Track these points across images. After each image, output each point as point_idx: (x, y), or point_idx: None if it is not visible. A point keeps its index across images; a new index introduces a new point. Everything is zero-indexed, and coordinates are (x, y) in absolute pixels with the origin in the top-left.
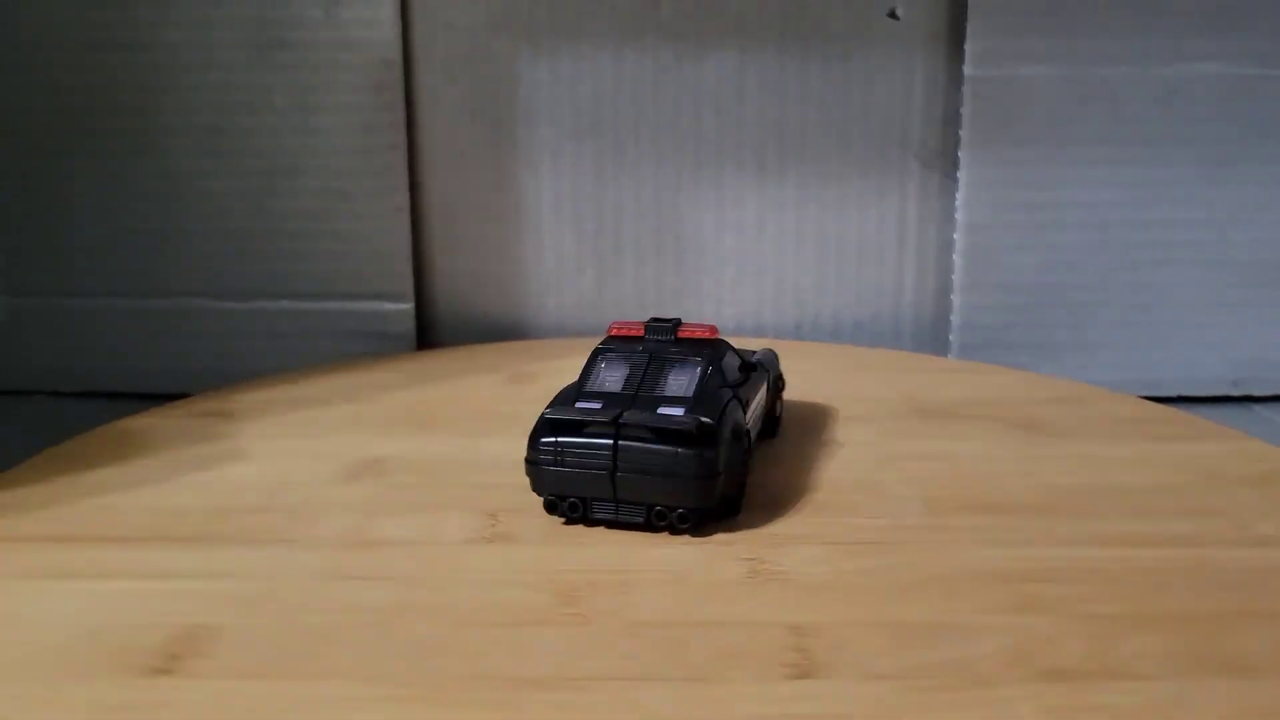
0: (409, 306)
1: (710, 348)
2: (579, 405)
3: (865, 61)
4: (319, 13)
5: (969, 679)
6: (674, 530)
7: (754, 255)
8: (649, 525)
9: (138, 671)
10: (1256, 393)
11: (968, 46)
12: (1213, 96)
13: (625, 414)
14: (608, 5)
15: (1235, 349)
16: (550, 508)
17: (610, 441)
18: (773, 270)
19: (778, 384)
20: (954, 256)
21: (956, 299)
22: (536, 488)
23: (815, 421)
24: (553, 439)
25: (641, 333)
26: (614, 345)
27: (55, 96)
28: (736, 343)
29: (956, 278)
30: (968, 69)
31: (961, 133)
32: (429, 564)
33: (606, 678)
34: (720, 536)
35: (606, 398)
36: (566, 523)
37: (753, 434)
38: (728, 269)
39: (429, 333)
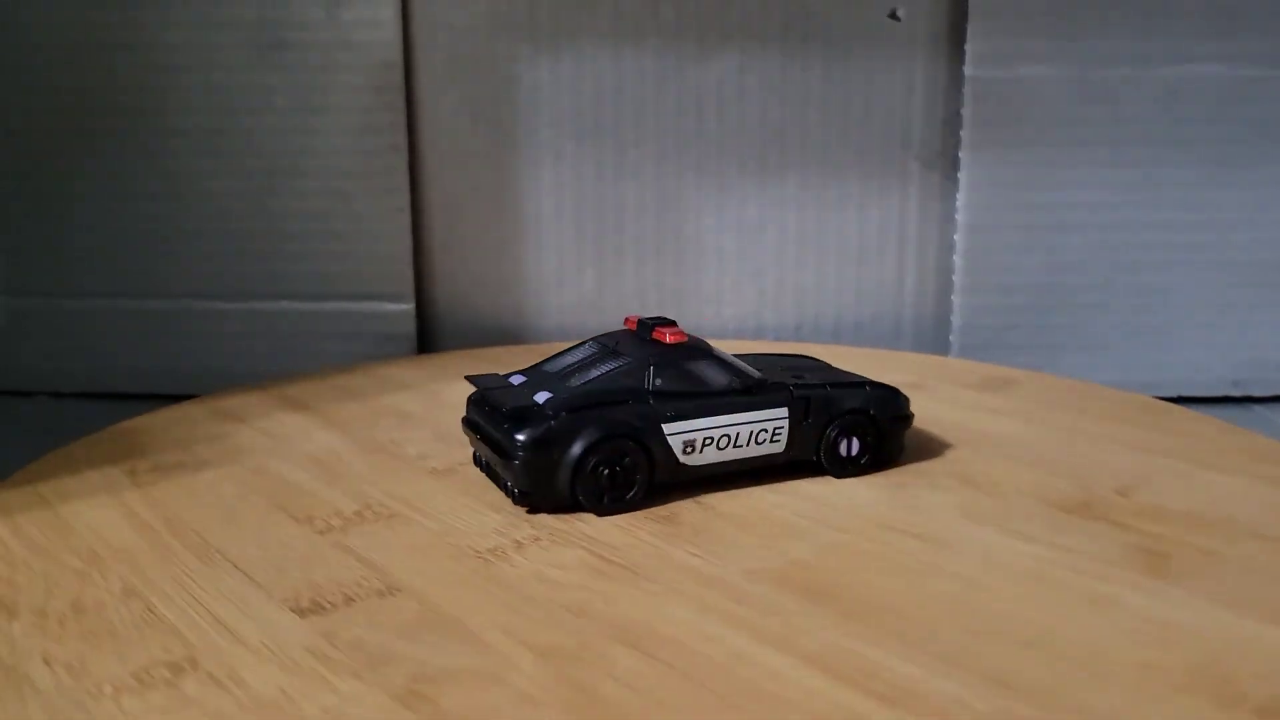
0: (409, 307)
1: (661, 350)
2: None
3: (866, 62)
4: (320, 14)
5: None
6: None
7: (754, 256)
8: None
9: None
10: (1257, 393)
11: (968, 47)
12: (1213, 97)
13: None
14: (609, 6)
15: (1236, 349)
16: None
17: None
18: (773, 271)
19: (858, 420)
20: (954, 257)
21: (957, 300)
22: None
23: None
24: None
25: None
26: (606, 335)
27: (56, 97)
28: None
29: (957, 278)
30: (968, 70)
31: (962, 133)
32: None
33: None
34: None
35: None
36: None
37: (702, 452)
38: (728, 269)
39: (429, 333)
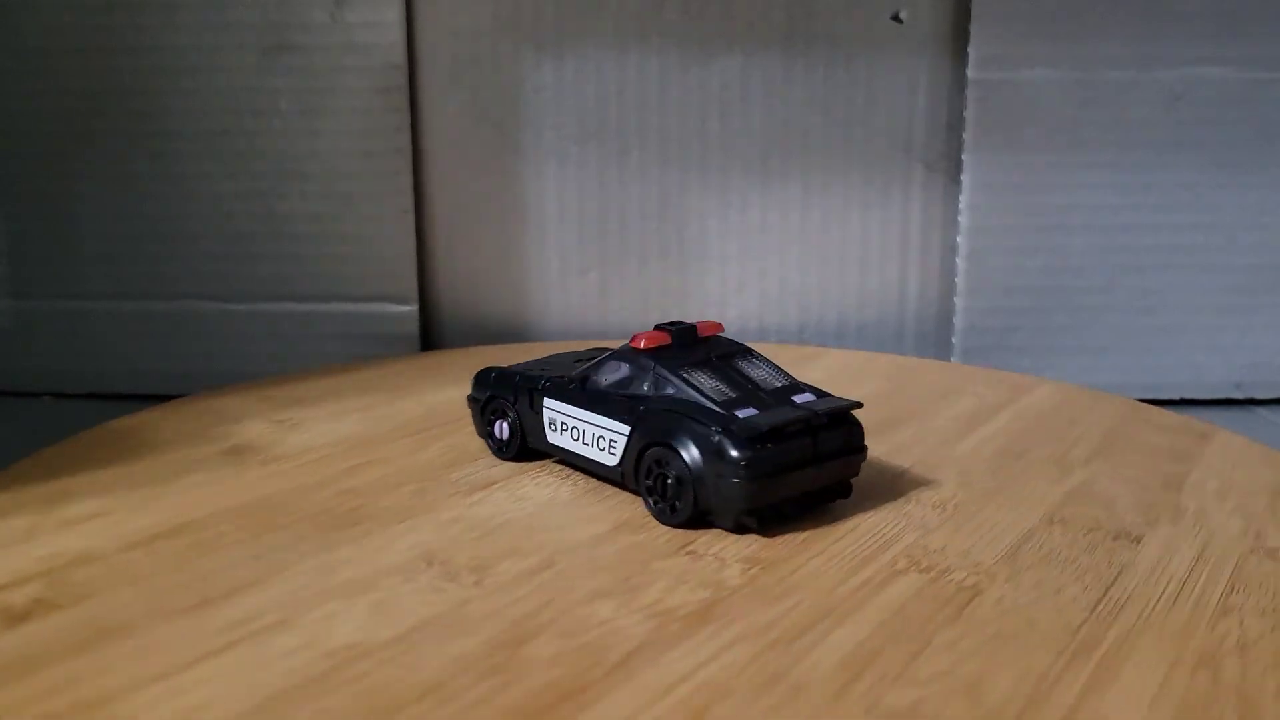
0: (413, 309)
1: (732, 344)
2: (741, 414)
3: (869, 65)
4: (325, 17)
5: None
6: (841, 498)
7: (757, 258)
8: (806, 510)
9: None
10: (1259, 395)
11: (971, 50)
12: (1217, 100)
13: (811, 407)
14: (612, 9)
15: (1238, 352)
16: (743, 528)
17: (811, 439)
18: (776, 273)
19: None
20: (957, 260)
21: (960, 302)
22: (742, 503)
23: None
24: (766, 447)
25: (669, 339)
26: (657, 355)
27: (61, 100)
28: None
29: (960, 281)
30: (971, 72)
31: (965, 136)
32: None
33: None
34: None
35: (731, 402)
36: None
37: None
38: (731, 271)
39: (433, 335)
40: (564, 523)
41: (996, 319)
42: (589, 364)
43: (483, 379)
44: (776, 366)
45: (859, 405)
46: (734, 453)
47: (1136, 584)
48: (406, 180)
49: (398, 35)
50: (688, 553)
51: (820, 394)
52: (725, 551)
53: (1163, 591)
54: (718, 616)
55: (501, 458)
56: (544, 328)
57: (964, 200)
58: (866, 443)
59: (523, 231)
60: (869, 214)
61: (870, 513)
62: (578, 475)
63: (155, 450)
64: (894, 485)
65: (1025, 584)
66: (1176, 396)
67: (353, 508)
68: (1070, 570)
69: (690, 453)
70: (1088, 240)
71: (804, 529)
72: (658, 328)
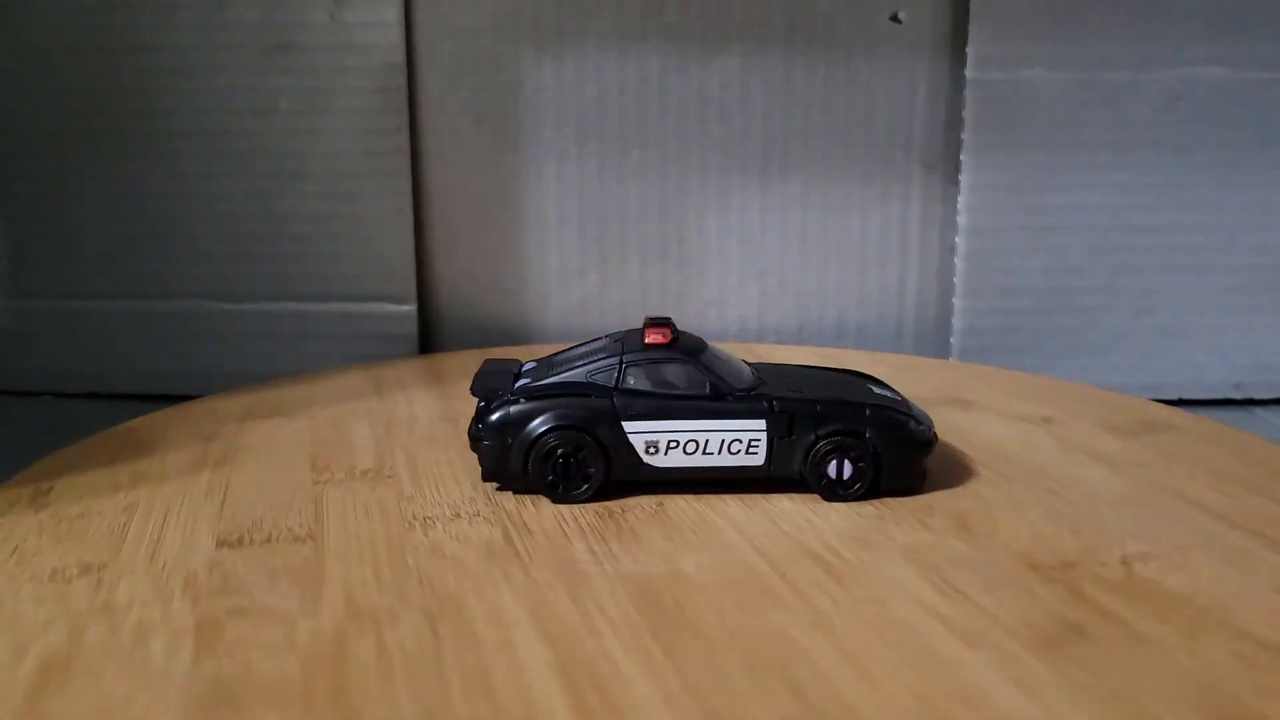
0: (412, 309)
1: (637, 348)
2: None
3: (868, 65)
4: (324, 17)
5: None
6: None
7: (757, 258)
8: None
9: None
10: (1259, 396)
11: (970, 50)
12: (1217, 101)
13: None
14: (612, 9)
15: (1238, 352)
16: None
17: None
18: (775, 273)
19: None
20: (956, 260)
21: (959, 302)
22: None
23: None
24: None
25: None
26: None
27: (61, 100)
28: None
29: (959, 281)
30: (970, 73)
31: (964, 136)
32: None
33: None
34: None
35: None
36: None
37: (667, 454)
38: (731, 271)
39: (432, 335)
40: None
41: (995, 319)
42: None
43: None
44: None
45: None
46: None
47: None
48: (406, 180)
49: (397, 35)
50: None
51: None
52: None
53: None
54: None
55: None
56: (543, 328)
57: (963, 200)
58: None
59: (522, 231)
60: (868, 214)
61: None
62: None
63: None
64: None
65: None
66: (1175, 397)
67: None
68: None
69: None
70: (1087, 240)
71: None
72: (649, 322)
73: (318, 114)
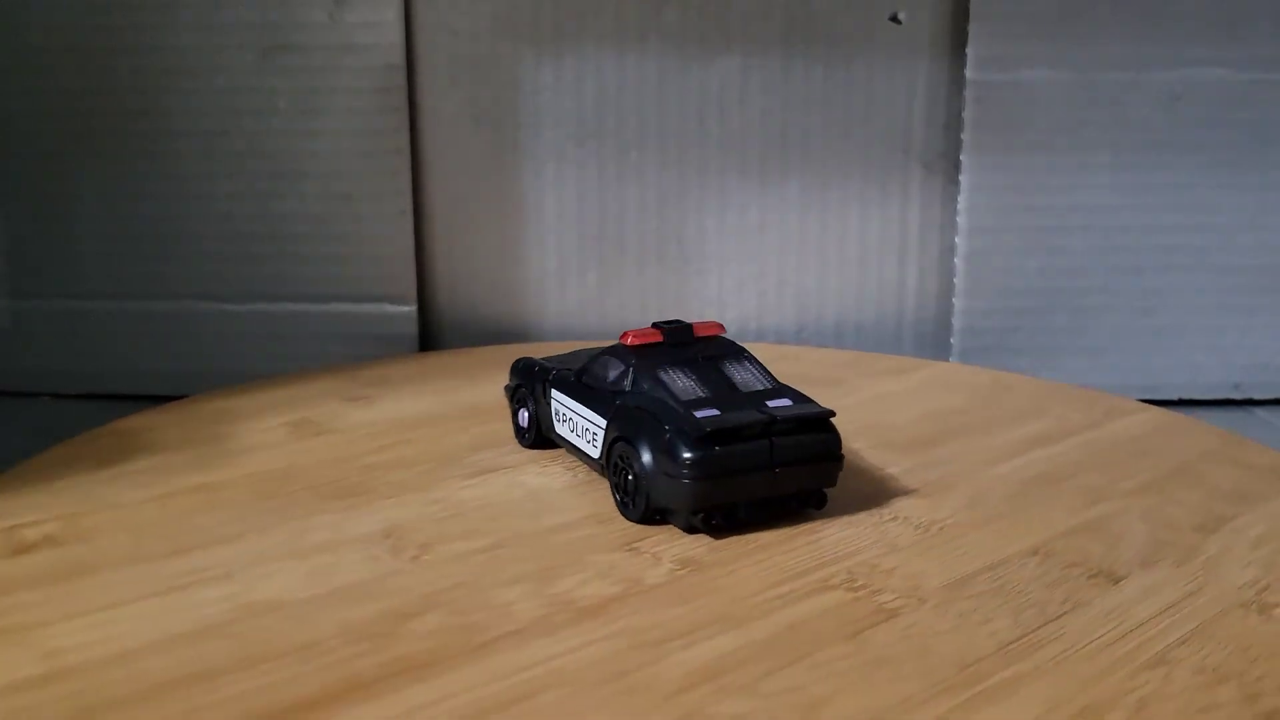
0: (411, 309)
1: (727, 345)
2: (700, 415)
3: (868, 66)
4: (324, 17)
5: None
6: (813, 508)
7: (756, 258)
8: (775, 515)
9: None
10: (1257, 396)
11: (970, 51)
12: (1216, 101)
13: (775, 411)
14: (611, 9)
15: (1237, 352)
16: (693, 528)
17: (766, 440)
18: (774, 273)
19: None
20: (956, 260)
21: (958, 302)
22: (689, 503)
23: None
24: (713, 449)
25: (660, 338)
26: (639, 352)
27: (60, 100)
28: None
29: (958, 281)
30: (970, 73)
31: (963, 136)
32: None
33: None
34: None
35: (696, 403)
36: (710, 531)
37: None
38: (729, 271)
39: (431, 335)
40: (537, 510)
41: (995, 319)
42: (593, 359)
43: (515, 368)
44: (766, 370)
45: (831, 413)
46: (683, 453)
47: (1080, 625)
48: (405, 180)
49: (396, 35)
50: (630, 548)
51: (801, 399)
52: (667, 550)
53: (1101, 635)
54: (611, 612)
55: (523, 445)
56: (543, 328)
57: (962, 201)
58: (895, 455)
59: (522, 232)
60: (868, 214)
61: (841, 525)
62: (582, 467)
63: (226, 422)
64: (889, 500)
65: (951, 613)
66: (1175, 397)
67: (358, 482)
68: (1013, 604)
69: (645, 450)
70: (1087, 240)
71: (760, 535)
72: (655, 325)
73: (317, 114)
